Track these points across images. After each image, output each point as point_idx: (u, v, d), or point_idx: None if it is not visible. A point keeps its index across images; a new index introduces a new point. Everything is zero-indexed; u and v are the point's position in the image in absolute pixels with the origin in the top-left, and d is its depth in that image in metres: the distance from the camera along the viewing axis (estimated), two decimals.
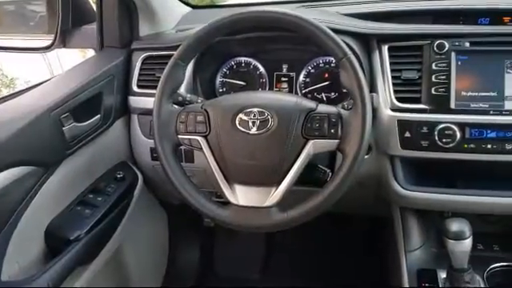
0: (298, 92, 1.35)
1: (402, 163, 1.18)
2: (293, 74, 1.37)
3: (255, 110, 1.01)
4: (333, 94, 1.33)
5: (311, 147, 0.98)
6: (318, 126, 0.98)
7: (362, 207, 1.47)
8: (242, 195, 1.01)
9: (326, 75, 1.33)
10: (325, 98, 1.34)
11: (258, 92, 1.29)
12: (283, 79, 1.37)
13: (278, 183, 0.99)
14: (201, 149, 1.04)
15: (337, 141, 0.98)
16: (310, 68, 1.35)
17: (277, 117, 1.00)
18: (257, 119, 1.00)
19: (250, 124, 1.00)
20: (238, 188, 1.02)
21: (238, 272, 1.89)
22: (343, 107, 1.03)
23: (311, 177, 1.08)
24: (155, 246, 1.69)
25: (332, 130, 0.98)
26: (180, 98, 1.12)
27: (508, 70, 1.11)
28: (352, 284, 1.69)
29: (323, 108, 1.01)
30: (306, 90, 1.35)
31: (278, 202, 0.99)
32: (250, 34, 1.23)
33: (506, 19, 1.22)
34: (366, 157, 1.20)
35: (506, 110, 1.10)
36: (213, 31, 1.05)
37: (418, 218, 1.26)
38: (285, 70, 1.37)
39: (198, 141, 1.04)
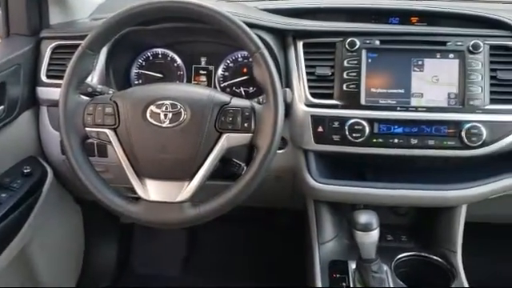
0: (217, 86, 1.34)
1: (316, 157, 1.21)
2: (211, 68, 1.35)
3: (167, 102, 0.98)
4: (251, 88, 1.33)
5: (225, 141, 0.97)
6: (231, 120, 0.97)
7: (281, 201, 1.49)
8: (153, 190, 0.98)
9: (245, 69, 1.33)
10: (243, 93, 1.33)
11: (170, 84, 1.26)
12: (201, 72, 1.36)
13: (191, 178, 0.98)
14: (110, 142, 1.00)
15: (250, 135, 0.98)
16: (228, 62, 1.34)
17: (190, 110, 0.98)
18: (169, 112, 0.98)
19: (162, 117, 0.98)
20: (149, 183, 0.99)
21: (158, 270, 1.85)
22: (258, 101, 1.03)
23: (226, 171, 1.08)
24: (69, 244, 1.61)
25: (245, 124, 0.97)
26: (89, 89, 1.07)
27: (414, 68, 1.16)
28: (272, 280, 1.71)
29: (237, 102, 1.00)
30: (225, 83, 1.34)
31: (191, 197, 0.97)
32: (164, 25, 1.20)
33: (414, 19, 1.28)
34: (281, 151, 1.25)
35: (412, 107, 1.15)
36: (123, 20, 1.01)
37: (331, 211, 1.29)
38: (203, 62, 1.35)
39: (106, 134, 1.00)
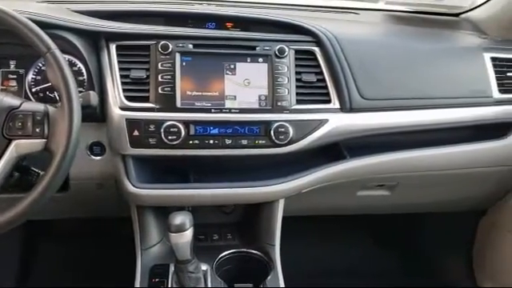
0: (27, 91, 1.25)
1: (135, 162, 1.19)
2: (22, 71, 1.25)
3: None
4: None
5: (14, 148, 0.91)
6: (21, 125, 0.91)
7: (109, 209, 1.44)
8: None
9: None
10: (58, 97, 1.26)
11: None
12: (11, 76, 1.25)
13: None
14: None
15: (44, 140, 0.92)
16: (40, 65, 1.25)
17: None
18: None
19: None
20: None
21: None
22: (56, 105, 0.98)
23: (24, 181, 1.00)
24: None
25: (37, 129, 0.92)
26: None
27: (227, 72, 1.20)
28: None
29: (28, 105, 0.94)
30: (37, 88, 1.25)
31: None
32: None
33: (229, 25, 1.33)
34: (99, 157, 1.21)
35: (225, 108, 1.19)
36: None
37: (156, 215, 1.28)
38: (12, 66, 1.25)
39: None
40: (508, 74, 1.38)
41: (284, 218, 1.34)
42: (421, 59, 1.35)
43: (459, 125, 1.36)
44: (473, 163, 1.43)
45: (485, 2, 1.58)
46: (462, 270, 1.85)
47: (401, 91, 1.30)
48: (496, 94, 1.36)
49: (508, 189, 1.55)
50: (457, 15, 1.69)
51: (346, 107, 1.25)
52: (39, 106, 0.94)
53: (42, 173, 1.02)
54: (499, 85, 1.36)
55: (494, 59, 1.37)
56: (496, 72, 1.36)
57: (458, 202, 1.61)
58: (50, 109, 0.94)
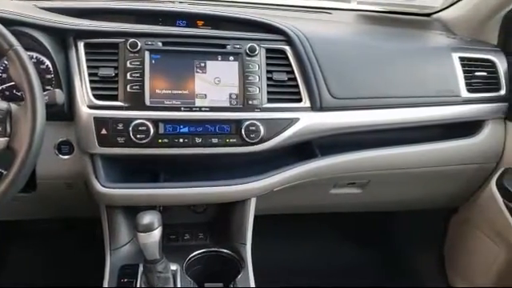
0: None
1: (103, 161, 1.18)
2: None
3: None
4: None
5: None
6: None
7: (79, 210, 1.42)
8: None
9: None
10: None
11: None
12: None
13: None
14: None
15: (6, 138, 0.91)
16: (6, 63, 1.23)
17: None
18: None
19: None
20: None
21: None
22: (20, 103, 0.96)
23: None
24: None
25: None
26: None
27: (197, 70, 1.19)
28: None
29: None
30: (3, 86, 1.22)
31: None
32: None
33: (200, 23, 1.32)
34: (67, 157, 1.19)
35: (196, 107, 1.18)
36: None
37: (126, 215, 1.26)
38: None
39: None
40: (476, 74, 1.40)
41: (257, 217, 1.34)
42: (391, 59, 1.36)
43: (429, 123, 1.38)
44: (443, 161, 1.45)
45: (455, 3, 1.61)
46: (433, 268, 1.88)
47: (371, 90, 1.31)
48: (464, 93, 1.38)
49: (477, 187, 1.57)
50: (428, 15, 1.72)
51: (317, 106, 1.25)
52: (1, 104, 0.92)
53: (4, 172, 1.00)
54: (467, 84, 1.38)
55: (462, 59, 1.39)
56: (464, 71, 1.38)
57: (430, 199, 1.63)
58: (13, 107, 0.93)
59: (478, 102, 1.40)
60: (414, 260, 1.96)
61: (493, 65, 1.42)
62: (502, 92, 1.43)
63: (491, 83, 1.42)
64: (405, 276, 1.92)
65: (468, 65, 1.40)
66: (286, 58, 1.26)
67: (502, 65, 1.43)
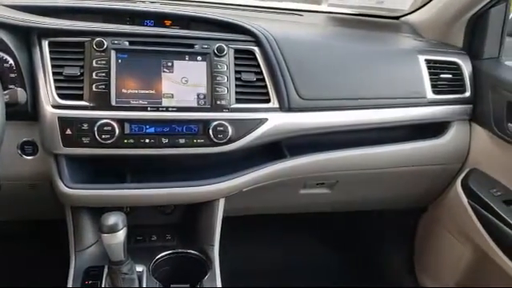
0: None
1: (68, 161, 1.16)
2: None
3: None
4: None
5: None
6: None
7: (45, 211, 1.39)
8: None
9: None
10: None
11: None
12: None
13: None
14: None
15: None
16: None
17: None
18: None
19: None
20: None
21: None
22: None
23: None
24: None
25: None
26: None
27: (164, 70, 1.19)
28: None
29: None
30: None
31: None
32: None
33: (168, 22, 1.32)
34: (31, 157, 1.17)
35: (162, 107, 1.17)
36: None
37: (91, 216, 1.25)
38: None
39: None
40: (441, 76, 1.42)
41: (227, 218, 1.34)
42: (359, 61, 1.38)
43: (396, 124, 1.40)
44: (410, 162, 1.47)
45: (422, 6, 1.64)
46: (403, 268, 1.90)
47: (338, 92, 1.32)
48: (430, 95, 1.40)
49: (444, 187, 1.60)
50: (397, 18, 1.75)
51: (285, 107, 1.26)
52: None
53: None
54: (433, 86, 1.40)
55: (428, 61, 1.42)
56: (430, 74, 1.41)
57: (398, 199, 1.66)
58: None
59: (443, 104, 1.43)
60: (384, 260, 1.98)
61: (458, 67, 1.45)
62: (467, 94, 1.45)
63: (456, 85, 1.45)
64: (375, 276, 1.94)
65: (434, 67, 1.42)
66: (255, 59, 1.26)
67: (466, 67, 1.46)
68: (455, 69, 1.45)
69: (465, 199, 1.47)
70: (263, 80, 1.26)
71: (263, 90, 1.26)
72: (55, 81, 1.13)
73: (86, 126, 1.12)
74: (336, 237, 2.05)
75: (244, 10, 1.59)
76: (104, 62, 1.14)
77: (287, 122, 1.27)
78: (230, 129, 1.19)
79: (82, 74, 1.14)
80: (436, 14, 1.57)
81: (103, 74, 1.14)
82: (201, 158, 1.25)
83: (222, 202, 1.30)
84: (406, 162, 1.47)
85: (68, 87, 1.14)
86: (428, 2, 1.60)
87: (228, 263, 1.30)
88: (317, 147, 1.36)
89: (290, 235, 1.95)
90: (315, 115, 1.30)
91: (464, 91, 1.45)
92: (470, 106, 1.47)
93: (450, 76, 1.44)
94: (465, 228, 1.50)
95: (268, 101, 1.26)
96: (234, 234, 1.35)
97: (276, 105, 1.26)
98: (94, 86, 1.13)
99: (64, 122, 1.11)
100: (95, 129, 1.11)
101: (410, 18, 1.69)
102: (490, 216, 1.36)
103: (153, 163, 1.25)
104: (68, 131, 1.12)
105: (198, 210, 1.31)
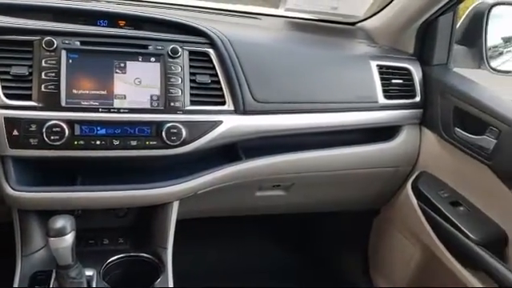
0: None
1: (15, 163, 1.13)
2: None
3: None
4: None
5: None
6: None
7: None
8: None
9: None
10: None
11: None
12: None
13: None
14: None
15: None
16: None
17: None
18: None
19: None
20: None
21: None
22: None
23: None
24: None
25: None
26: None
27: (117, 71, 1.17)
28: None
29: None
30: None
31: None
32: None
33: (122, 23, 1.29)
34: None
35: (114, 108, 1.16)
36: None
37: (40, 219, 1.21)
38: None
39: None
40: (393, 81, 1.47)
41: (182, 221, 1.33)
42: (313, 65, 1.40)
43: (349, 128, 1.43)
44: (363, 164, 1.51)
45: (376, 13, 1.68)
46: (358, 269, 1.94)
47: (292, 95, 1.34)
48: (381, 100, 1.44)
49: (396, 189, 1.64)
50: (352, 24, 1.78)
51: (240, 109, 1.26)
52: None
53: None
54: (384, 91, 1.44)
55: (380, 67, 1.45)
56: (382, 79, 1.44)
57: (352, 201, 1.69)
58: None
59: (394, 108, 1.47)
60: (339, 261, 2.01)
61: (408, 73, 1.50)
62: (417, 99, 1.50)
63: (407, 90, 1.49)
64: (330, 277, 1.97)
65: (386, 72, 1.46)
66: (210, 61, 1.26)
67: (417, 73, 1.50)
68: (406, 74, 1.50)
69: (415, 201, 1.51)
70: (218, 82, 1.26)
71: (218, 93, 1.26)
72: (1, 80, 1.10)
73: (34, 127, 1.09)
74: (291, 238, 2.07)
75: (202, 12, 1.59)
76: (54, 62, 1.12)
77: (242, 125, 1.27)
78: (183, 131, 1.19)
79: (30, 74, 1.11)
80: (388, 21, 1.61)
81: (53, 74, 1.11)
82: (154, 161, 1.24)
83: (176, 205, 1.29)
84: (359, 165, 1.50)
85: (15, 87, 1.10)
86: (381, 10, 1.64)
87: (181, 266, 1.29)
88: (273, 149, 1.37)
89: (245, 237, 1.96)
90: (270, 118, 1.32)
91: (414, 96, 1.50)
92: (420, 110, 1.52)
93: (401, 81, 1.48)
94: (415, 229, 1.54)
95: (223, 103, 1.26)
96: (188, 237, 1.35)
97: (231, 107, 1.26)
98: (43, 86, 1.10)
99: (10, 122, 1.08)
100: (44, 130, 1.09)
101: (365, 24, 1.73)
102: (437, 217, 1.40)
103: (105, 165, 1.23)
104: (15, 132, 1.08)
105: (152, 212, 1.30)
